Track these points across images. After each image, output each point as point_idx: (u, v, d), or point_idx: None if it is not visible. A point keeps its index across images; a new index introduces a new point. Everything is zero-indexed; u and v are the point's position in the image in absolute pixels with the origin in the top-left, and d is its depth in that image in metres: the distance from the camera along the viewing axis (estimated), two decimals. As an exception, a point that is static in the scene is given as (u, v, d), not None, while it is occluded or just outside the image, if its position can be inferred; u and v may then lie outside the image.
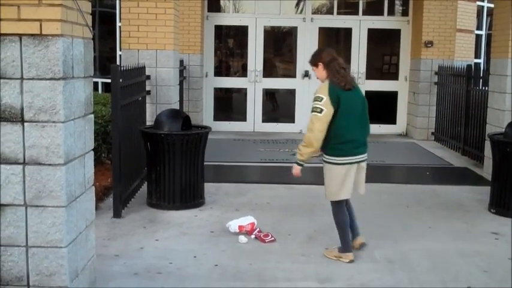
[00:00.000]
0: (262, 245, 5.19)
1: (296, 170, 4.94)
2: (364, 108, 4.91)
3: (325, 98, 4.64)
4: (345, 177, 4.77)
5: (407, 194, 7.18)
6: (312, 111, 4.70)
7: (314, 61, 4.87)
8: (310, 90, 12.12)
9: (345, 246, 4.87)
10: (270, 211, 6.23)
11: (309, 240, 5.34)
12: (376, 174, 8.46)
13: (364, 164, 4.91)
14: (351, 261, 4.81)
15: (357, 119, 4.78)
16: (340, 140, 4.70)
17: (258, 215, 5.96)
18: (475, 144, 9.23)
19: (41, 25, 3.08)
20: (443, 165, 9.07)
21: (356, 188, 4.93)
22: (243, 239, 5.28)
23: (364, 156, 4.87)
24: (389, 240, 5.39)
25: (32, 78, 3.12)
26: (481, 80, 9.40)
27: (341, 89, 4.68)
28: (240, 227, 5.43)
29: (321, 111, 4.63)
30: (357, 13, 12.29)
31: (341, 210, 4.92)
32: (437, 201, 6.86)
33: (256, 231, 5.39)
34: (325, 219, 5.99)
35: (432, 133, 11.45)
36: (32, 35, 3.09)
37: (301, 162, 4.89)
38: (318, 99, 4.68)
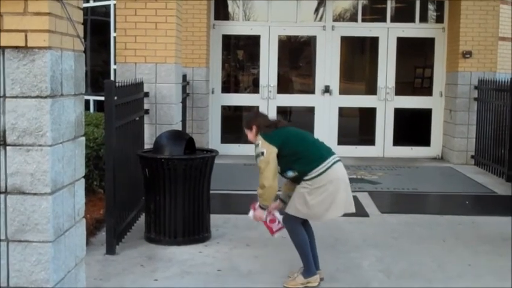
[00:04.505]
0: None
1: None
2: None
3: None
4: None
5: (443, 226, 7.15)
6: None
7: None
8: (332, 108, 12.25)
9: (310, 268, 5.19)
10: (286, 246, 6.19)
11: (331, 280, 5.31)
12: (408, 203, 8.46)
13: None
14: (321, 280, 5.18)
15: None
16: None
17: (273, 251, 5.96)
18: (521, 169, 9.19)
19: (26, 36, 3.12)
20: (485, 193, 9.03)
21: None
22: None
23: None
24: (422, 280, 5.36)
25: (16, 97, 3.15)
26: (527, 96, 9.39)
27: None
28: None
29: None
30: (384, 20, 12.34)
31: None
32: (478, 234, 6.82)
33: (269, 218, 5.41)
34: (349, 256, 5.99)
35: (472, 156, 11.41)
36: (16, 47, 3.12)
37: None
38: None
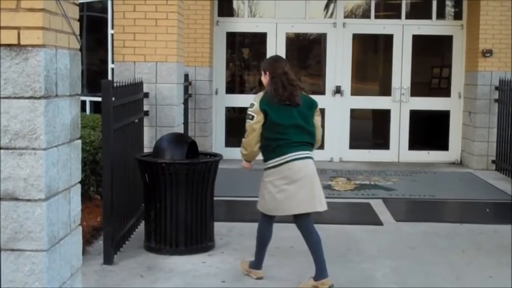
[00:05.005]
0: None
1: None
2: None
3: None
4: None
5: (462, 235, 7.14)
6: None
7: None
8: (343, 110, 12.24)
9: (257, 262, 5.62)
10: (294, 257, 6.22)
11: (342, 292, 5.32)
12: (425, 211, 8.44)
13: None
14: (259, 279, 5.53)
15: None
16: None
17: (280, 262, 5.96)
18: (545, 174, 9.17)
19: (19, 34, 3.13)
20: (507, 201, 8.99)
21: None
22: None
23: None
24: (440, 293, 5.36)
25: (8, 97, 3.16)
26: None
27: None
28: None
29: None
30: (399, 16, 12.34)
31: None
32: (500, 244, 6.80)
33: None
34: (362, 266, 5.99)
35: (493, 161, 11.38)
36: (9, 45, 3.14)
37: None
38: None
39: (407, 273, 5.83)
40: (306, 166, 5.30)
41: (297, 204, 5.28)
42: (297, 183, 5.25)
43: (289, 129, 5.31)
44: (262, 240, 5.56)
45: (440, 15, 12.46)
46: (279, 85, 5.37)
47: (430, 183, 10.09)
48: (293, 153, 5.25)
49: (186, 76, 10.31)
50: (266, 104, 5.34)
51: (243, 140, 5.53)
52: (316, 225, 7.25)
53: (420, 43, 12.32)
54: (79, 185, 3.72)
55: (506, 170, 10.81)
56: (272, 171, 5.33)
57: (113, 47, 9.75)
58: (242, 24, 12.47)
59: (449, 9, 12.70)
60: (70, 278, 3.59)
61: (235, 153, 11.75)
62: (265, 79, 5.58)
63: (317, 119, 5.57)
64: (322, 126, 12.33)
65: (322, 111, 12.12)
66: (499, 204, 8.85)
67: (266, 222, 5.53)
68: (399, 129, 12.27)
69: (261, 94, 5.51)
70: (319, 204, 5.36)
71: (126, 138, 6.51)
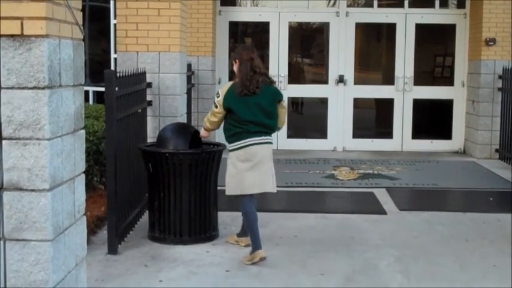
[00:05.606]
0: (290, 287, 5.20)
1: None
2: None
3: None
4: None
5: (466, 224, 7.14)
6: None
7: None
8: (346, 99, 12.23)
9: (254, 245, 5.73)
10: (297, 246, 6.24)
11: (346, 281, 5.33)
12: (428, 200, 8.45)
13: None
14: (262, 259, 5.60)
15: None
16: None
17: (283, 251, 5.97)
18: (549, 163, 9.16)
19: (22, 24, 3.13)
20: (510, 189, 8.99)
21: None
22: None
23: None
24: (444, 281, 5.36)
25: (12, 87, 3.17)
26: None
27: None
28: None
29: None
30: (402, 5, 12.31)
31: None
32: (503, 233, 6.80)
33: None
34: (366, 255, 5.99)
35: (496, 150, 11.38)
36: (12, 35, 3.14)
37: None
38: None
39: (411, 262, 5.83)
40: (262, 149, 5.71)
41: (251, 186, 5.72)
42: (252, 166, 5.68)
43: (247, 122, 5.68)
44: (249, 221, 5.80)
45: (443, 3, 12.43)
46: (244, 72, 5.73)
47: (434, 172, 10.09)
48: (251, 139, 5.67)
49: (189, 66, 10.30)
50: (229, 98, 5.72)
51: (208, 116, 5.98)
52: (320, 215, 7.32)
53: (423, 32, 12.28)
54: (83, 175, 3.73)
55: (509, 159, 10.80)
56: (233, 153, 5.75)
57: (115, 36, 9.74)
58: (245, 13, 12.46)
59: (453, -2, 12.68)
60: (75, 267, 3.60)
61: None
62: (236, 68, 5.88)
63: (282, 112, 5.89)
64: (325, 115, 12.44)
65: (325, 100, 12.28)
66: (502, 193, 8.84)
67: (245, 204, 5.81)
68: (402, 119, 12.27)
69: (227, 86, 5.87)
70: (272, 186, 5.87)
71: (129, 128, 6.51)
